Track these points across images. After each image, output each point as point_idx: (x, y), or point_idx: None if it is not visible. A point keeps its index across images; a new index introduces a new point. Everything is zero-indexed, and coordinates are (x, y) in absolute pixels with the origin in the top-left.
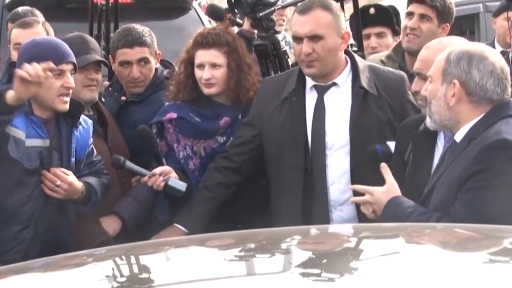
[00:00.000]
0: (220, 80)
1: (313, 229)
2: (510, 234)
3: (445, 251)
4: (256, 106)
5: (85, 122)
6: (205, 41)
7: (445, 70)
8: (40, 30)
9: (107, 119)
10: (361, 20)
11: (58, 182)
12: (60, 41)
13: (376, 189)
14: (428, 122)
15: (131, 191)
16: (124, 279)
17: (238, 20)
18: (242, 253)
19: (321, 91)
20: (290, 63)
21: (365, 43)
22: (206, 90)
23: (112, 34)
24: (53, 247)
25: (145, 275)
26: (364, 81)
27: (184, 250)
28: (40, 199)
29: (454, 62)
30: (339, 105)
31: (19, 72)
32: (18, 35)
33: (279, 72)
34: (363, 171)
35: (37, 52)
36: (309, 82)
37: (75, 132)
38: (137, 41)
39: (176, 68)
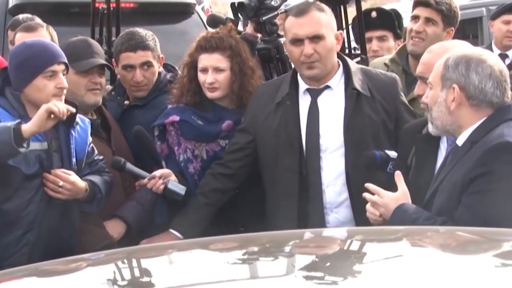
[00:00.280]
0: (223, 84)
1: (316, 232)
2: None
3: (448, 254)
4: (250, 112)
5: (83, 121)
6: (208, 45)
7: (444, 75)
8: (44, 34)
9: (110, 123)
10: (363, 24)
11: (61, 183)
12: (51, 42)
13: (387, 194)
14: (430, 128)
15: (135, 194)
16: (127, 282)
17: (239, 29)
18: (245, 256)
19: (314, 94)
20: (293, 66)
21: (366, 46)
22: (210, 94)
23: (114, 38)
24: (57, 250)
25: (148, 278)
26: (356, 83)
27: (187, 254)
28: (42, 202)
29: (452, 67)
30: (332, 107)
31: (50, 107)
32: (22, 39)
33: None
34: (358, 172)
35: (28, 54)
36: (302, 85)
37: (73, 133)
38: (140, 45)
39: (179, 72)
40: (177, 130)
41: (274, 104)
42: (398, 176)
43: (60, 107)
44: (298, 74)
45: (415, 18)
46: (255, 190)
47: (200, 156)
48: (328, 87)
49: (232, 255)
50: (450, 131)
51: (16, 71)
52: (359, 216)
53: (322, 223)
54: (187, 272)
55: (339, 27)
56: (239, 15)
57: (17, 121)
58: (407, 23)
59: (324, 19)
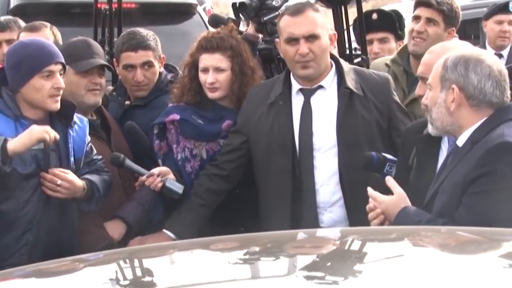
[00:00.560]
0: (224, 84)
1: (317, 233)
2: None
3: (448, 254)
4: (243, 113)
5: (81, 121)
6: (209, 45)
7: (443, 76)
8: (48, 34)
9: (110, 123)
10: (364, 25)
11: (59, 182)
12: (48, 42)
13: (385, 199)
14: (430, 129)
15: (135, 195)
16: (128, 282)
17: (240, 29)
18: (246, 257)
19: (307, 94)
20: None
21: (368, 48)
22: (210, 95)
23: (116, 39)
24: (56, 251)
25: (149, 278)
26: (349, 82)
27: (188, 254)
28: (40, 202)
29: (451, 68)
30: (325, 107)
31: (43, 135)
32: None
33: None
34: (352, 172)
35: (25, 53)
36: (295, 86)
37: (71, 132)
38: (141, 44)
39: (180, 72)
40: (177, 128)
41: (267, 105)
42: (390, 181)
43: (51, 134)
44: (291, 74)
45: (416, 18)
46: (255, 190)
47: (200, 156)
48: (321, 87)
49: (233, 255)
50: (450, 131)
51: (13, 71)
52: (353, 215)
53: (315, 223)
54: (188, 272)
55: (340, 28)
56: (240, 15)
57: (3, 138)
58: (408, 23)
59: (319, 19)
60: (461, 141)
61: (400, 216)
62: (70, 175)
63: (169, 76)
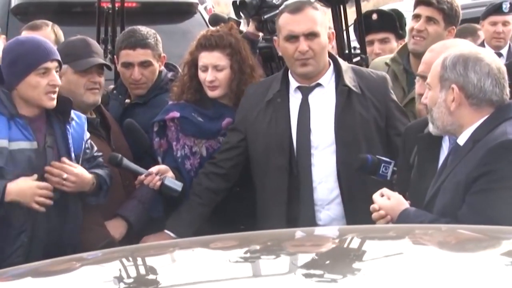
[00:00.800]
0: (223, 82)
1: (317, 231)
2: None
3: (448, 252)
4: (241, 111)
5: (79, 117)
6: (208, 43)
7: (442, 76)
8: (49, 32)
9: (110, 122)
10: (364, 26)
11: (65, 175)
12: (44, 39)
13: (384, 205)
14: (431, 128)
15: (136, 193)
16: (128, 280)
17: (241, 29)
18: (247, 255)
19: (305, 92)
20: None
21: (369, 49)
22: (210, 93)
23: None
24: (57, 251)
25: (149, 276)
26: (347, 80)
27: (189, 252)
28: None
29: (450, 67)
30: (323, 104)
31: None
32: None
33: None
34: (350, 169)
35: (21, 50)
36: (293, 83)
37: (69, 128)
38: (140, 43)
39: (180, 71)
40: (177, 126)
41: (264, 102)
42: (376, 197)
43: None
44: (289, 72)
45: (416, 17)
46: (254, 188)
47: (200, 153)
48: (319, 84)
49: (233, 253)
50: (451, 131)
51: (9, 68)
52: (351, 212)
53: (313, 221)
54: (188, 271)
55: (339, 27)
56: (241, 13)
57: (5, 182)
58: (409, 22)
59: (319, 17)
60: (462, 140)
61: (401, 219)
62: (78, 169)
63: (170, 75)
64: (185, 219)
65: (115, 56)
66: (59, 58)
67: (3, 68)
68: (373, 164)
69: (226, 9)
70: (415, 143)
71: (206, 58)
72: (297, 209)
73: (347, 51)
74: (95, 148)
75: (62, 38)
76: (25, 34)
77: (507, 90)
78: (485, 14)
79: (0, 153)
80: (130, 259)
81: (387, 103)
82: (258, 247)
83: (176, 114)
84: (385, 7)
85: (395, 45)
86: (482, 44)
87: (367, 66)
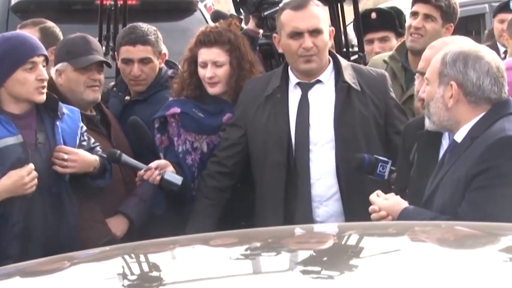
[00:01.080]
0: (222, 78)
1: (317, 228)
2: None
3: (447, 249)
4: (240, 106)
5: (71, 111)
6: (207, 40)
7: (441, 72)
8: (33, 31)
9: (110, 119)
10: (363, 25)
11: (66, 156)
12: (29, 35)
13: (383, 205)
14: (427, 123)
15: (137, 190)
16: (129, 278)
17: (242, 25)
18: (247, 252)
19: (305, 88)
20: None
21: (368, 48)
22: (211, 90)
23: None
24: (57, 250)
25: (150, 273)
26: (347, 77)
27: (189, 249)
28: (27, 196)
29: (450, 64)
30: (323, 101)
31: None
32: None
33: None
34: (348, 166)
35: (6, 47)
36: (293, 79)
37: (59, 124)
38: (141, 39)
39: (180, 68)
40: (178, 122)
41: (263, 97)
42: (374, 198)
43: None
44: (289, 68)
45: (414, 14)
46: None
47: (200, 149)
48: (319, 81)
49: (233, 250)
50: (447, 126)
51: None
52: (349, 209)
53: (310, 217)
54: (188, 267)
55: (337, 25)
56: (241, 10)
57: None
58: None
59: (321, 14)
60: (459, 137)
61: (402, 217)
62: (79, 150)
63: (170, 72)
64: (201, 224)
65: (115, 53)
66: (46, 53)
67: None
68: (371, 163)
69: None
70: (415, 141)
71: (205, 54)
72: (295, 205)
73: (345, 49)
74: (92, 140)
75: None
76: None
77: (506, 88)
78: (495, 12)
79: None
80: (131, 256)
81: (386, 101)
82: (258, 244)
83: (177, 110)
84: (385, 5)
85: (395, 43)
86: (494, 45)
87: (365, 64)
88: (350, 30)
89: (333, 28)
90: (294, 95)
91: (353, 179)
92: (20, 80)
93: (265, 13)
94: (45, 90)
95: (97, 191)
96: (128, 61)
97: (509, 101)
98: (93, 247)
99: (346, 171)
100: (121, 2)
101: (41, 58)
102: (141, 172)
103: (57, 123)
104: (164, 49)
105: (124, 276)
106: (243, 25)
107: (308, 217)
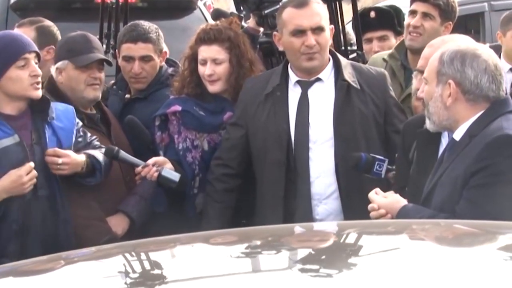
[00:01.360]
0: (222, 76)
1: (317, 226)
2: (511, 230)
3: (446, 247)
4: (240, 105)
5: (66, 109)
6: (207, 37)
7: (439, 71)
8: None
9: (110, 118)
10: (362, 24)
11: (60, 160)
12: (20, 33)
13: (383, 203)
14: (428, 124)
15: (137, 189)
16: (129, 276)
17: (242, 23)
18: (247, 250)
19: (305, 86)
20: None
21: (367, 47)
22: (211, 88)
23: None
24: (53, 245)
25: (150, 272)
26: (347, 76)
27: (189, 247)
28: (25, 195)
29: (447, 63)
30: (322, 99)
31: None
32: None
33: None
34: (348, 164)
35: None
36: (293, 77)
37: (55, 123)
38: (142, 37)
39: (181, 66)
40: (178, 120)
41: (263, 95)
42: (373, 196)
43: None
44: (289, 66)
45: (412, 13)
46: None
47: (201, 147)
48: (319, 79)
49: (233, 249)
50: (446, 126)
51: None
52: (348, 207)
53: (310, 215)
54: (188, 266)
55: (335, 23)
56: (241, 8)
57: None
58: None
59: (323, 12)
60: (458, 135)
61: (401, 215)
62: (69, 152)
63: (170, 70)
64: (215, 228)
65: (116, 51)
66: (37, 49)
67: None
68: (367, 162)
69: (225, 5)
70: (414, 139)
71: (205, 51)
72: (294, 203)
73: (343, 48)
74: (89, 134)
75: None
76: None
77: (503, 86)
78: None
79: None
80: (131, 254)
81: (386, 100)
82: (258, 242)
83: (178, 108)
84: (384, 3)
85: (393, 42)
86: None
87: (364, 63)
88: (349, 29)
89: (332, 26)
90: (294, 93)
91: (352, 177)
92: (13, 77)
93: (266, 11)
94: (40, 86)
95: (94, 189)
96: (129, 59)
97: (508, 100)
98: (94, 245)
99: (345, 169)
100: (122, 0)
101: (33, 55)
102: (139, 168)
103: (51, 123)
104: (165, 48)
105: (124, 274)
106: (243, 23)
107: (308, 215)
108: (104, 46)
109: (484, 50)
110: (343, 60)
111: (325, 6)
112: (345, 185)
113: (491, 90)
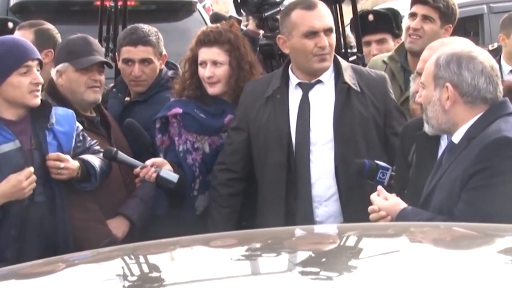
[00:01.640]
0: (222, 78)
1: (318, 229)
2: (510, 233)
3: (445, 250)
4: (241, 108)
5: (66, 113)
6: (207, 39)
7: (436, 74)
8: (28, 33)
9: (110, 121)
10: (361, 27)
11: (62, 165)
12: (22, 39)
13: (383, 205)
14: (426, 128)
15: (137, 192)
16: (129, 278)
17: (242, 26)
18: (247, 253)
19: (306, 88)
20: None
21: (366, 50)
22: (210, 90)
23: None
24: (53, 249)
25: (150, 274)
26: (347, 78)
27: (189, 250)
28: (24, 201)
29: (443, 66)
30: (323, 101)
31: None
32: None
33: None
34: (347, 166)
35: (0, 51)
36: (294, 80)
37: (55, 127)
38: (142, 40)
39: (180, 69)
40: (179, 122)
41: (264, 98)
42: (380, 190)
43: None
44: (290, 69)
45: (412, 15)
46: (256, 184)
47: (202, 149)
48: (319, 81)
49: (233, 251)
50: (445, 129)
51: None
52: (347, 209)
53: (311, 217)
54: (188, 268)
55: (335, 26)
56: (242, 10)
57: None
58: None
59: (329, 13)
60: (456, 138)
61: (400, 218)
62: (67, 157)
63: (170, 73)
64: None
65: (116, 54)
66: (40, 57)
67: None
68: (371, 170)
69: (224, 8)
70: (413, 141)
71: (205, 53)
72: (295, 204)
73: (343, 50)
74: (88, 139)
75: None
76: (16, 34)
77: (501, 87)
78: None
79: None
80: (130, 257)
81: (386, 102)
82: (258, 245)
83: (179, 110)
84: (383, 6)
85: (392, 44)
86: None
87: (363, 65)
88: (348, 31)
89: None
90: (294, 96)
91: (351, 179)
92: (14, 84)
93: (266, 14)
94: (39, 94)
95: (94, 192)
96: (129, 62)
97: (506, 102)
98: (94, 248)
99: (345, 172)
100: (121, 3)
101: (36, 62)
102: (137, 169)
103: (51, 128)
104: (164, 50)
105: (123, 277)
106: (242, 26)
107: (308, 217)
108: (103, 49)
109: (479, 52)
110: (343, 62)
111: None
112: (344, 187)
113: (489, 92)
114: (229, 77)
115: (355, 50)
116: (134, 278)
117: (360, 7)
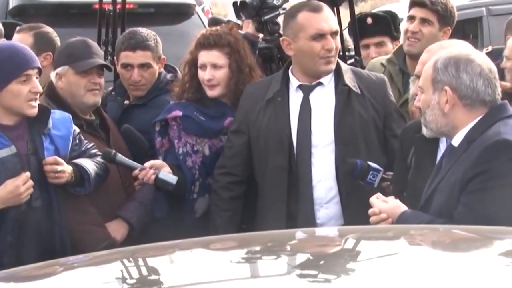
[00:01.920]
0: (221, 81)
1: (318, 232)
2: (509, 235)
3: (445, 253)
4: (241, 111)
5: (63, 117)
6: (206, 42)
7: (434, 78)
8: (27, 37)
9: (109, 124)
10: (359, 30)
11: (60, 168)
12: (23, 46)
13: (383, 207)
14: (425, 131)
15: (136, 195)
16: (128, 281)
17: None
18: (247, 256)
19: (306, 90)
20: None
21: (365, 53)
22: (210, 93)
23: None
24: (51, 253)
25: (149, 277)
26: (347, 80)
27: (188, 253)
28: (21, 206)
29: (442, 69)
30: (323, 103)
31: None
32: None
33: None
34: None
35: (0, 59)
36: (295, 82)
37: (52, 132)
38: (141, 44)
39: (179, 72)
40: (179, 125)
41: (264, 101)
42: (375, 201)
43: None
44: (290, 71)
45: (411, 18)
46: (256, 187)
47: (202, 152)
48: (320, 83)
49: (233, 254)
50: (445, 132)
51: None
52: (348, 211)
53: (311, 220)
54: (188, 271)
55: None
56: (241, 14)
57: None
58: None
59: (333, 16)
60: (456, 141)
61: (400, 221)
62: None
63: (169, 76)
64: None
65: (115, 58)
66: (40, 65)
67: None
68: (362, 170)
69: (223, 10)
70: (412, 144)
71: (204, 56)
72: (296, 207)
73: (341, 53)
74: (84, 142)
75: (58, 43)
76: (15, 37)
77: (499, 90)
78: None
79: None
80: (130, 260)
81: (386, 104)
82: (258, 248)
83: (179, 113)
84: (382, 8)
85: (390, 47)
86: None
87: (362, 68)
88: (346, 34)
89: None
90: (295, 98)
91: (352, 182)
92: (14, 92)
93: (265, 17)
94: (36, 103)
95: (92, 195)
96: (128, 66)
97: (505, 105)
98: (92, 251)
99: (345, 174)
100: (120, 6)
101: (35, 71)
102: (136, 171)
103: (48, 133)
104: (162, 54)
105: (122, 280)
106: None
107: (310, 220)
108: (102, 52)
109: (477, 55)
110: (343, 65)
111: None
112: (345, 189)
113: (487, 94)
114: (228, 79)
115: (352, 53)
116: (133, 281)
117: (359, 10)
